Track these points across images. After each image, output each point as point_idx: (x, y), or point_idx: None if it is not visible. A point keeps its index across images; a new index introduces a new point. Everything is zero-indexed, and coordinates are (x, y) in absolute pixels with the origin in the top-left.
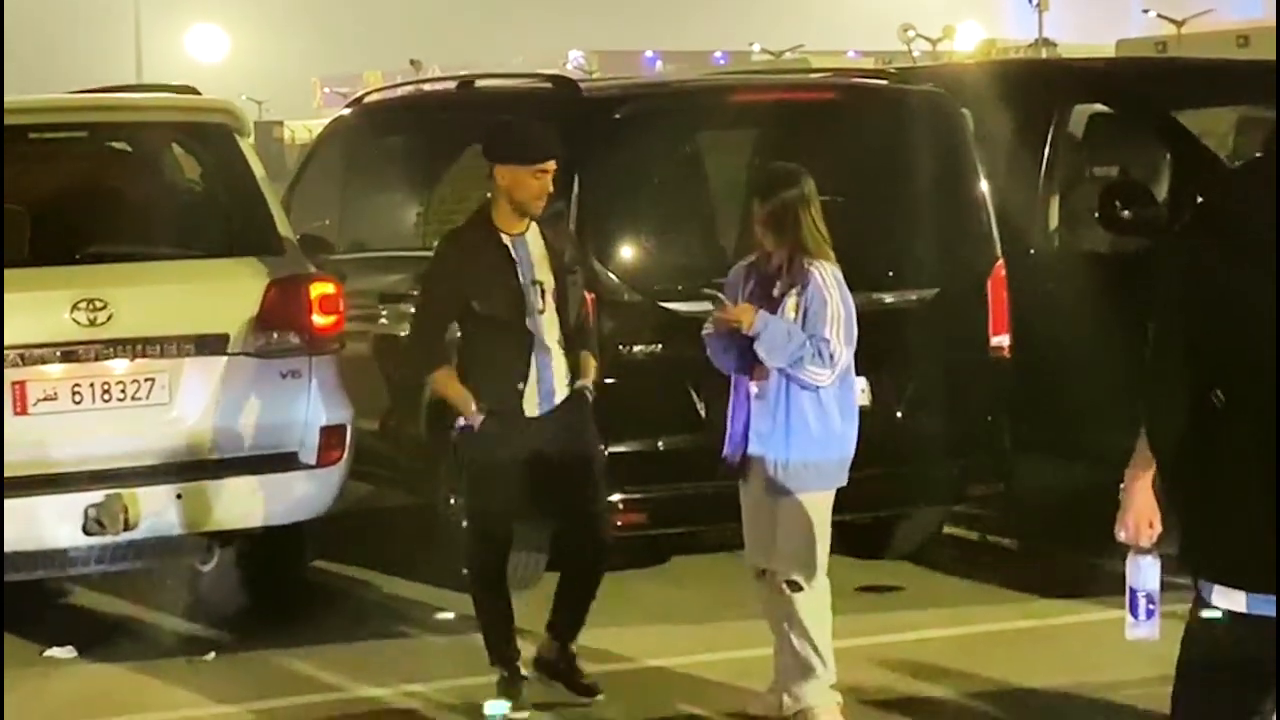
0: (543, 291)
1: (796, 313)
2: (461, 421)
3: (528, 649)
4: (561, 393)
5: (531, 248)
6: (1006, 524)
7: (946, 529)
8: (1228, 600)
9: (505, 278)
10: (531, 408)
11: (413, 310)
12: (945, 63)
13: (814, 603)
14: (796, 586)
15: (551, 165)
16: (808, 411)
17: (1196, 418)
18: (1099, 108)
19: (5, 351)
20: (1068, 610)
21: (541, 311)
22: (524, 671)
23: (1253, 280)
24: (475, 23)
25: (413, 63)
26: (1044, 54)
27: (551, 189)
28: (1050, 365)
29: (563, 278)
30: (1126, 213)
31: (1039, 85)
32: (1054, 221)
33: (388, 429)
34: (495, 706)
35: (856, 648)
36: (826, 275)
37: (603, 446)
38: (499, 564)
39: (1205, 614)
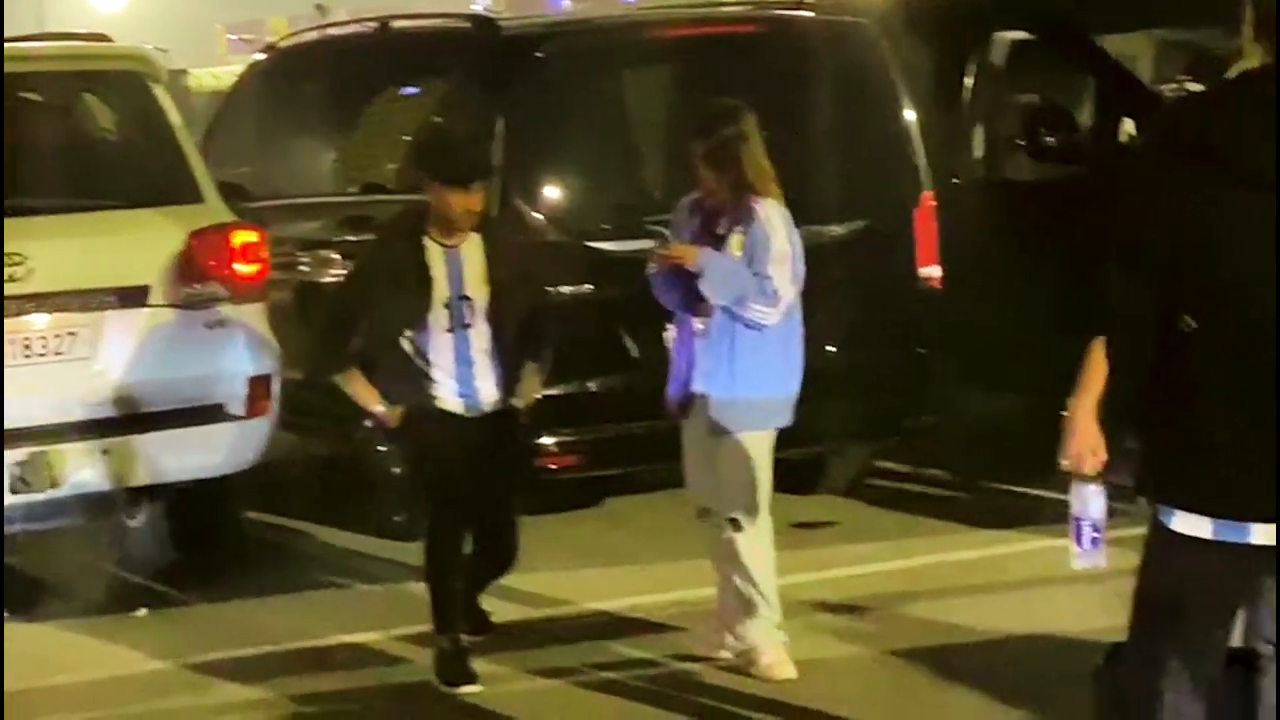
0: (472, 307)
1: (741, 250)
2: (367, 421)
3: None
4: (490, 405)
5: (466, 260)
6: (939, 456)
7: (878, 463)
8: (1192, 526)
9: (423, 292)
10: (452, 406)
11: (326, 302)
12: None
13: (757, 541)
14: (738, 525)
15: (479, 189)
16: (752, 350)
17: (1164, 344)
18: (1020, 35)
19: None
20: (1003, 540)
21: (468, 326)
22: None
23: (1229, 204)
24: None
25: (318, 7)
26: None
27: (479, 208)
28: (977, 295)
29: (503, 290)
30: (1051, 139)
31: (960, 14)
32: (978, 150)
33: (312, 377)
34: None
35: (795, 584)
36: (771, 212)
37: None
38: (453, 534)
39: (1167, 539)
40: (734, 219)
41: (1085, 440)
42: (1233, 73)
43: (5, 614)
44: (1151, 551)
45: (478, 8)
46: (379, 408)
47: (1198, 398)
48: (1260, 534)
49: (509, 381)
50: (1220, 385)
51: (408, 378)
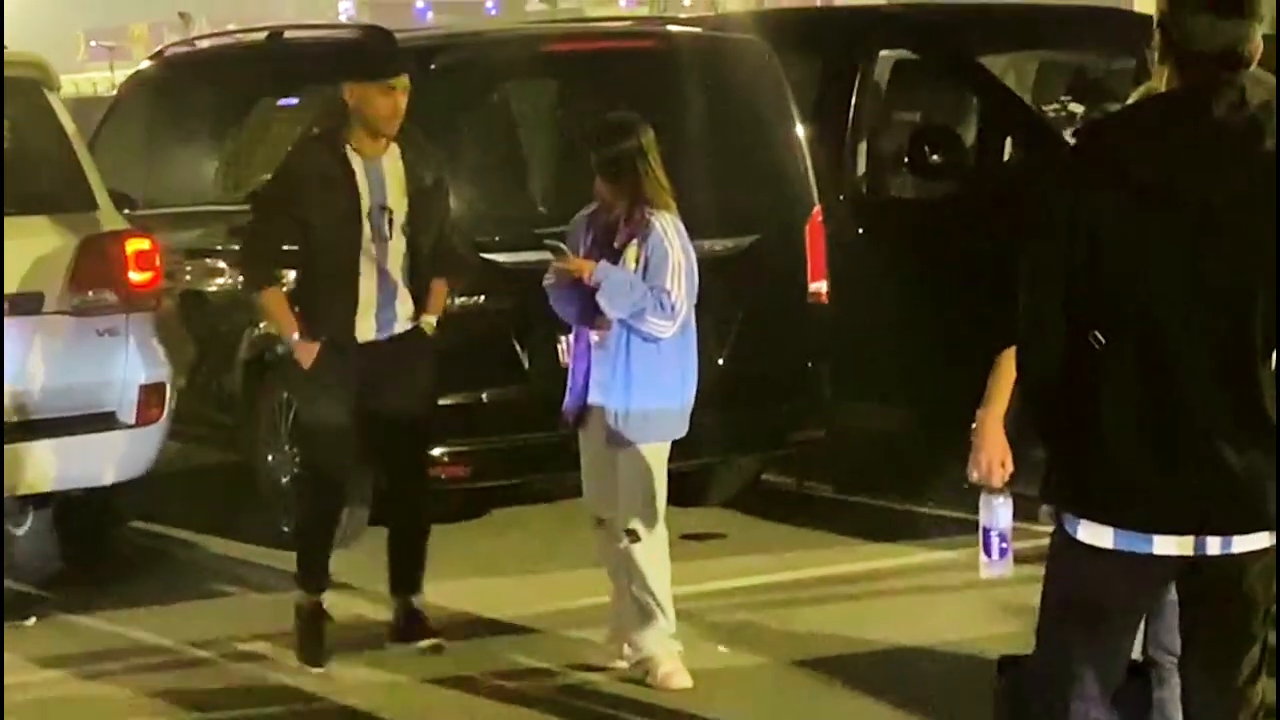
0: (391, 219)
1: (637, 264)
2: (280, 347)
3: (355, 605)
4: (403, 325)
5: (387, 172)
6: (824, 470)
7: (765, 475)
8: (1094, 536)
9: (347, 202)
10: (366, 333)
11: (249, 220)
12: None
13: (653, 552)
14: (635, 536)
15: (403, 82)
16: (648, 362)
17: (1074, 357)
18: (904, 54)
19: None
20: (888, 553)
21: (388, 239)
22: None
23: (1141, 224)
24: None
25: (181, 15)
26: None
27: (403, 109)
28: (860, 310)
29: (419, 203)
30: (936, 157)
31: (845, 32)
32: (861, 168)
33: (198, 385)
34: None
35: (684, 595)
36: (667, 226)
37: (434, 389)
38: (331, 494)
39: (1072, 548)
40: (630, 232)
41: (993, 451)
42: (1136, 96)
43: None
44: (1057, 560)
45: (344, 19)
46: (295, 336)
47: (1105, 411)
48: (1162, 545)
49: (417, 301)
50: (1127, 399)
51: (331, 302)
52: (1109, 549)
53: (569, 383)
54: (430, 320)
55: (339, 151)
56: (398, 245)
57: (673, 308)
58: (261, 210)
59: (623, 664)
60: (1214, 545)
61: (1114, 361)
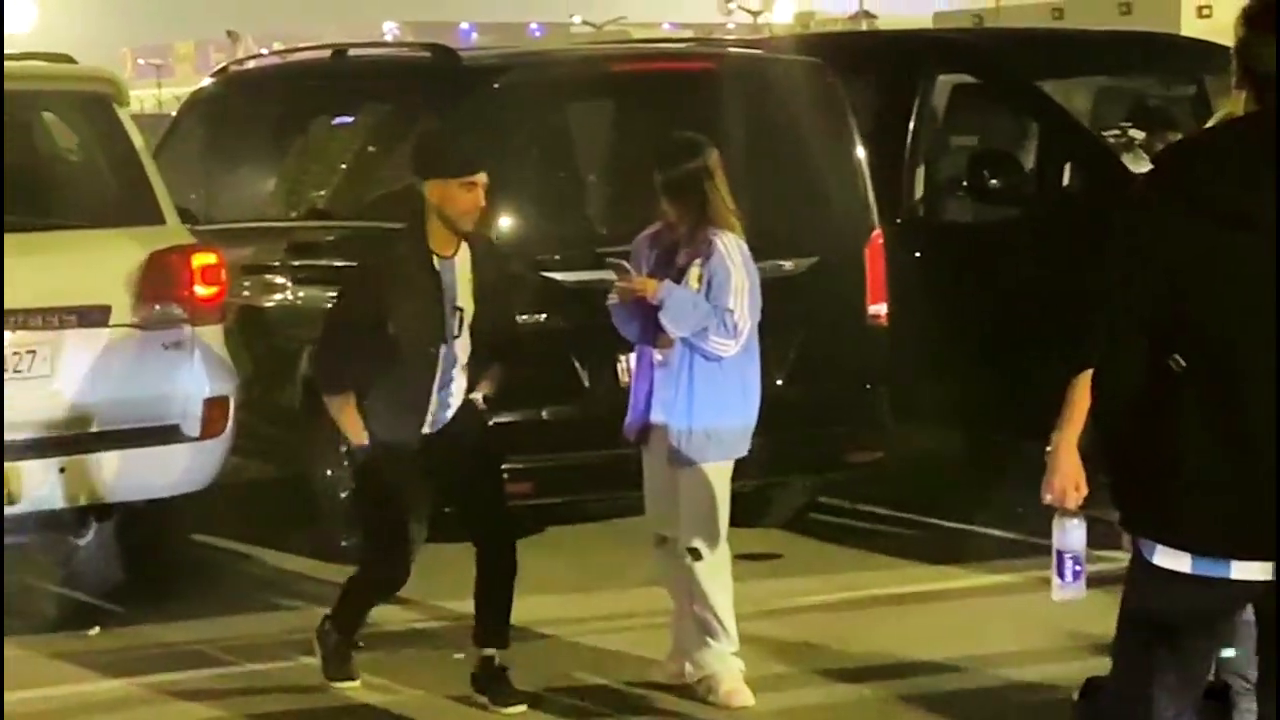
0: (461, 318)
1: (699, 283)
2: (344, 448)
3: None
4: (455, 409)
5: (458, 271)
6: (881, 491)
7: (822, 497)
8: (1172, 561)
9: (429, 304)
10: (428, 430)
11: (327, 318)
12: (813, 32)
13: (715, 571)
14: (698, 555)
15: (482, 177)
16: (711, 381)
17: (1153, 381)
18: (963, 78)
19: None
20: (946, 575)
21: (456, 337)
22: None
23: (1219, 248)
24: None
25: (230, 34)
26: (864, 26)
27: (483, 203)
28: (916, 334)
29: (485, 302)
30: (995, 182)
31: (904, 56)
32: (919, 191)
33: (257, 400)
34: None
35: (741, 614)
36: (730, 246)
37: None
38: (397, 574)
39: (1149, 573)
40: (694, 252)
41: (1068, 474)
42: (1215, 120)
43: None
44: (1134, 585)
45: (387, 36)
46: (364, 440)
47: (1182, 435)
48: (1240, 569)
49: (470, 381)
50: (1204, 423)
51: (398, 403)
52: (1186, 573)
53: (631, 401)
54: (476, 396)
55: (423, 256)
56: (464, 342)
57: (735, 327)
58: (343, 315)
59: (685, 681)
60: None
61: (1191, 386)
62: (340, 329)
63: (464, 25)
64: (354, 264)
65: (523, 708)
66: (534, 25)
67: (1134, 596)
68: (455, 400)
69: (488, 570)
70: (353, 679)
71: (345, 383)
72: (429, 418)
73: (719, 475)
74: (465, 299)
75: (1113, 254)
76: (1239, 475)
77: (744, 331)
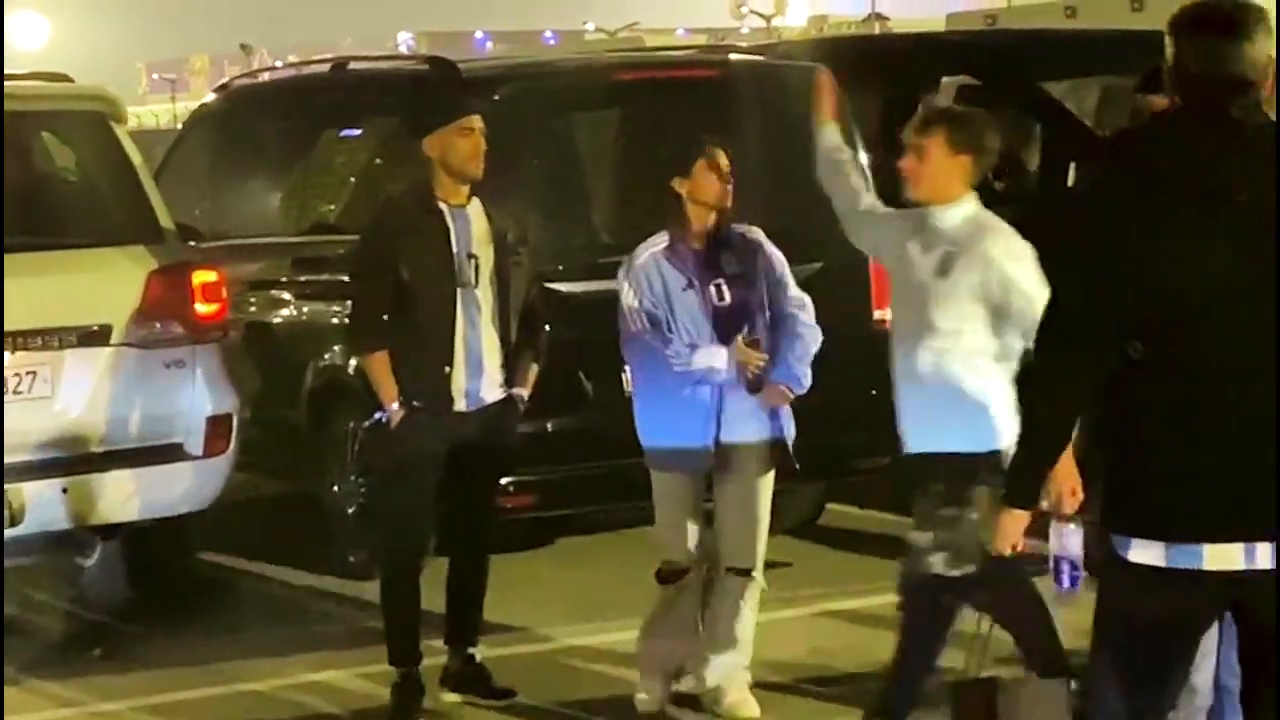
0: (478, 266)
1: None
2: (379, 414)
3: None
4: (492, 391)
5: (472, 221)
6: (888, 497)
7: (831, 503)
8: (1146, 554)
9: (438, 245)
10: (460, 398)
11: (349, 283)
12: (818, 36)
13: (757, 588)
14: (748, 573)
15: (476, 121)
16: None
17: (1114, 371)
18: (966, 79)
19: None
20: None
21: (475, 285)
22: (422, 679)
23: (1178, 229)
24: (302, 7)
25: (243, 47)
26: (876, 29)
27: (483, 147)
28: None
29: (503, 257)
30: (998, 183)
31: (907, 58)
32: None
33: (264, 416)
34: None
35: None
36: (763, 237)
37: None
38: (413, 566)
39: (1124, 572)
40: (741, 251)
41: (1063, 480)
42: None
43: None
44: (1109, 586)
45: (402, 49)
46: (395, 405)
47: (1146, 422)
48: (1213, 558)
49: (507, 365)
50: (1168, 408)
51: (427, 362)
52: (1162, 567)
53: (702, 426)
54: (522, 392)
55: (429, 202)
56: (485, 294)
57: (809, 304)
58: (360, 272)
59: (683, 688)
60: (1264, 555)
61: (1153, 371)
62: (362, 289)
63: (479, 34)
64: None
65: (518, 695)
66: (548, 33)
67: (1109, 598)
68: (489, 363)
69: (464, 573)
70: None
71: (376, 340)
72: (463, 381)
73: (769, 487)
74: (481, 247)
75: (1069, 245)
76: (1204, 456)
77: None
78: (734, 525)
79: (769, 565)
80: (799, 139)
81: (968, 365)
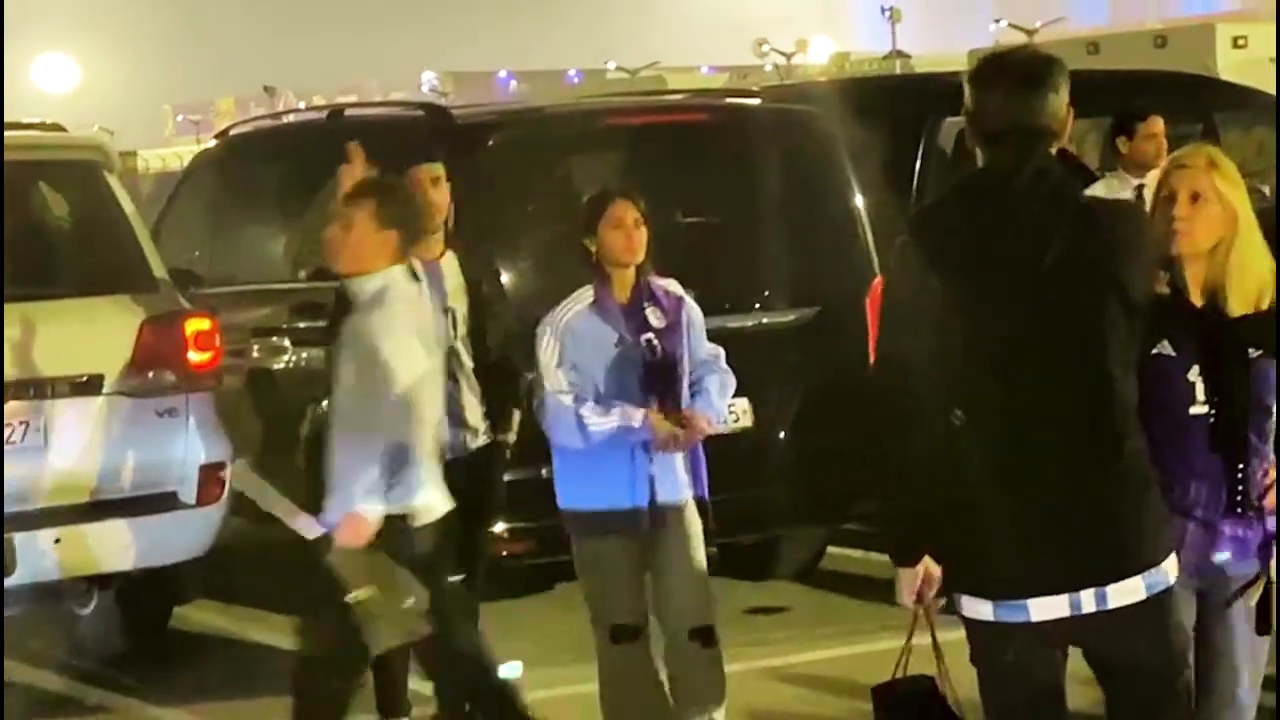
0: (455, 320)
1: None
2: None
3: None
4: (475, 438)
5: (446, 274)
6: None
7: (830, 548)
8: (978, 610)
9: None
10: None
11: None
12: (820, 79)
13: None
14: (711, 630)
15: (438, 169)
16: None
17: (940, 438)
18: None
19: None
20: (958, 626)
21: (453, 340)
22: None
23: (972, 295)
24: (327, 47)
25: (266, 89)
26: (898, 67)
27: (446, 197)
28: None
29: (479, 309)
30: None
31: (909, 99)
32: None
33: (263, 462)
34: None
35: (752, 670)
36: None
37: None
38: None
39: (967, 626)
40: (666, 305)
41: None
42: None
43: None
44: (969, 639)
45: (426, 89)
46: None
47: (966, 486)
48: (1038, 610)
49: (490, 412)
50: (986, 469)
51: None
52: (990, 621)
53: (634, 487)
54: (507, 438)
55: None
56: (463, 348)
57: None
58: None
59: None
60: (1088, 600)
61: (970, 436)
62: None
63: (502, 73)
64: None
65: None
66: (571, 72)
67: (971, 655)
68: (470, 415)
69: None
70: None
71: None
72: (443, 436)
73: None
74: (456, 300)
75: (885, 317)
76: (1022, 513)
77: None
78: (684, 586)
79: (768, 611)
80: (796, 183)
81: None
